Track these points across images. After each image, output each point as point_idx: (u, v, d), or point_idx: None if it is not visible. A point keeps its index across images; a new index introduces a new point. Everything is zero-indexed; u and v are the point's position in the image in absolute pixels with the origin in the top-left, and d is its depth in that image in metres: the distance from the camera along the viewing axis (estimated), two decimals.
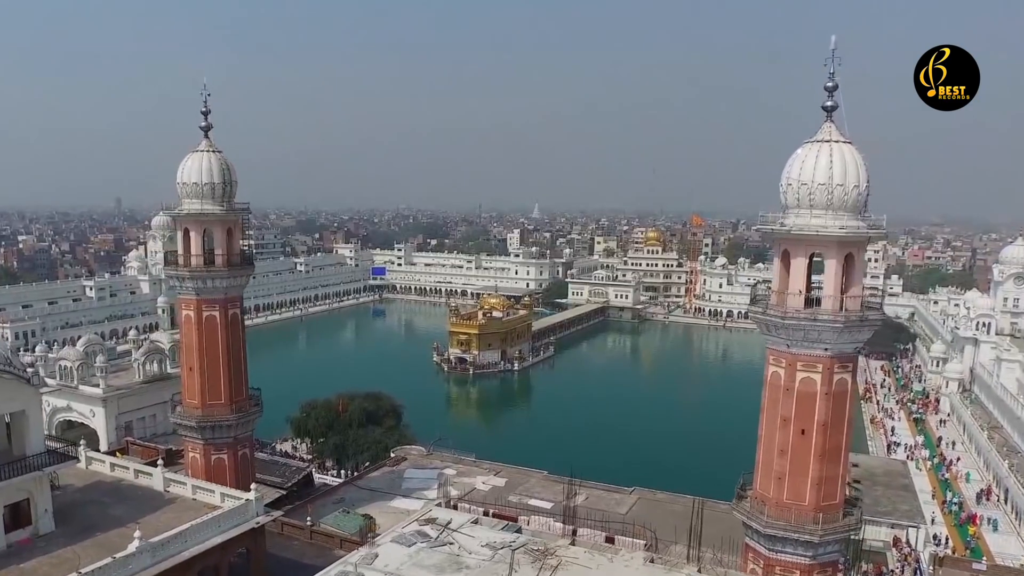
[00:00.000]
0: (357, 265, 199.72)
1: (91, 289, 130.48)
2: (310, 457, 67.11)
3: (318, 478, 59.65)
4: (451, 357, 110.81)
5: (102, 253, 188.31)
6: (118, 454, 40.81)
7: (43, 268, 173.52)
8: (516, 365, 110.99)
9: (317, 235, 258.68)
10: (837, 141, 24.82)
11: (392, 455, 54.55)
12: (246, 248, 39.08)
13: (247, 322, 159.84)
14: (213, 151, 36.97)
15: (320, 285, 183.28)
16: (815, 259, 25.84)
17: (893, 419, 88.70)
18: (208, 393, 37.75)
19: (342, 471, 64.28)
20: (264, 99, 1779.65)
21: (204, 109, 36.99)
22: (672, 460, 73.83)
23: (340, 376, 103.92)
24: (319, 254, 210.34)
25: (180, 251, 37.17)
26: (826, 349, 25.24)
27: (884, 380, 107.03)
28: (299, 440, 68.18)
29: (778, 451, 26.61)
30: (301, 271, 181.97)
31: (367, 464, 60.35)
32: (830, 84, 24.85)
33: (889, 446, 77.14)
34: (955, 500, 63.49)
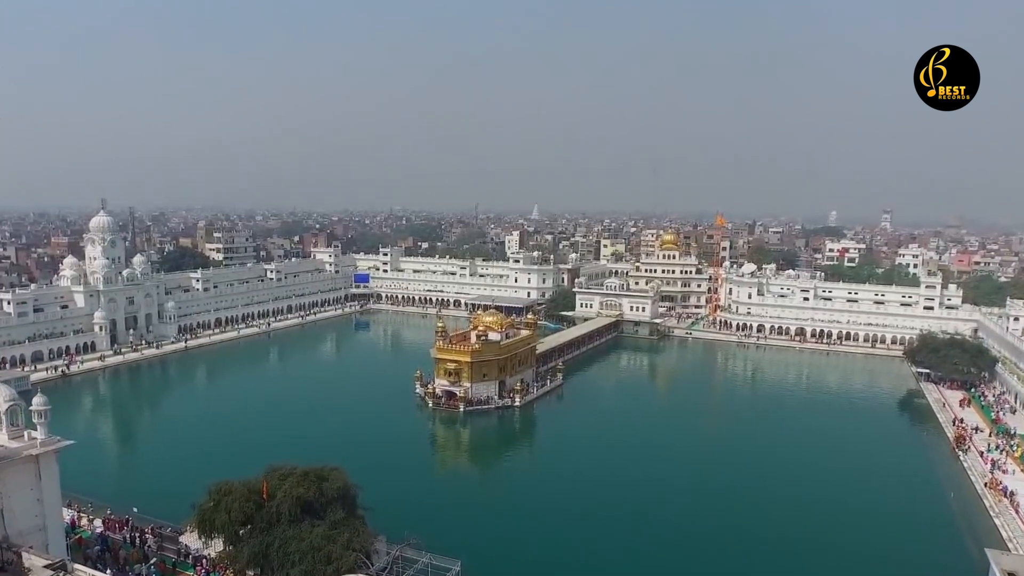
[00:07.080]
0: (338, 271, 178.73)
1: (8, 303, 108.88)
2: (224, 564, 46.39)
3: None
4: (437, 390, 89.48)
5: (46, 259, 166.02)
6: None
7: None
8: (518, 399, 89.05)
9: (297, 238, 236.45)
10: None
11: None
12: None
13: (204, 340, 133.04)
14: None
15: (295, 295, 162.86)
16: None
17: (1005, 472, 68.86)
18: None
19: None
20: (258, 99, 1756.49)
21: None
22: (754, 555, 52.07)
23: (293, 419, 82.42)
24: (295, 259, 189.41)
25: None
26: None
27: (965, 418, 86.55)
28: (207, 538, 47.09)
29: None
30: (272, 279, 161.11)
31: None
32: None
33: None
34: None
